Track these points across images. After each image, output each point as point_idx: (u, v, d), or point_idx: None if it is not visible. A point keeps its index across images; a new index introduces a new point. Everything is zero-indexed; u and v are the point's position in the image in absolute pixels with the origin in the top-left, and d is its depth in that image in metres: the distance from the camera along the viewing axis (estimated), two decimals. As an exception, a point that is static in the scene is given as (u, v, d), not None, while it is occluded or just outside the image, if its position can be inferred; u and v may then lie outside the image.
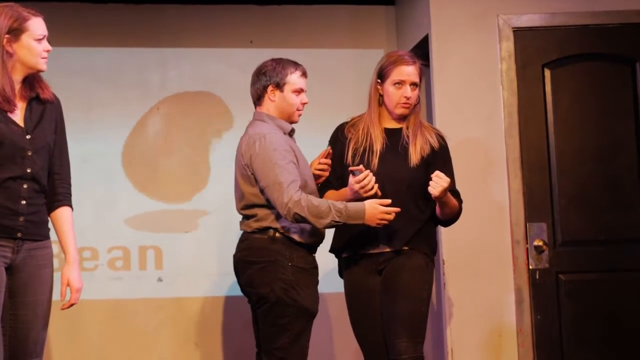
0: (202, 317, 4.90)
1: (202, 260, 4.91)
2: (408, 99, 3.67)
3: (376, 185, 3.50)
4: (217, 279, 4.88)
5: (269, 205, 3.52)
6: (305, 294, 3.50)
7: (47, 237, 3.25)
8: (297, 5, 5.12)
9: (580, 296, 4.41)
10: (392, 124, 3.75)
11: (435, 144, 3.71)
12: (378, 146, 3.67)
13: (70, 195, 3.32)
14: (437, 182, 3.53)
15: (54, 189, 3.27)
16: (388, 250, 3.63)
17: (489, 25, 4.54)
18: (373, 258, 3.66)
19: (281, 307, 3.47)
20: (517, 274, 4.41)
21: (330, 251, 3.78)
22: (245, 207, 3.60)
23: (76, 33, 4.91)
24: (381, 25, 5.19)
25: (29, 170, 3.15)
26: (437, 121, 4.47)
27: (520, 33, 4.53)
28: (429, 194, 3.56)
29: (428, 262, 3.67)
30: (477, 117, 4.50)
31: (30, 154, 3.16)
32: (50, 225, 3.28)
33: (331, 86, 5.03)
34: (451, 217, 3.73)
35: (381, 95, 3.73)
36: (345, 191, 3.60)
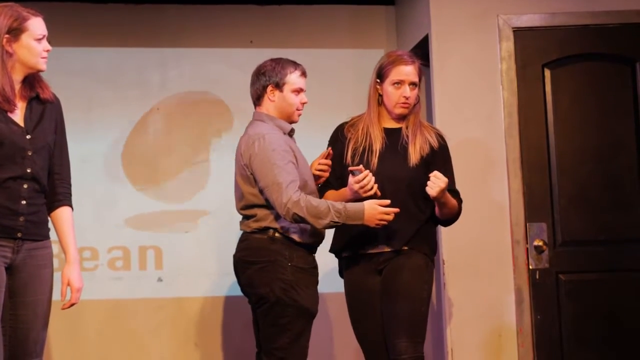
0: (202, 317, 4.89)
1: (202, 260, 4.91)
2: (407, 98, 3.67)
3: (376, 186, 3.50)
4: (217, 279, 4.88)
5: (268, 205, 3.52)
6: (305, 294, 3.50)
7: (47, 237, 3.25)
8: (297, 5, 5.12)
9: (580, 296, 4.40)
10: (392, 124, 3.74)
11: (435, 144, 3.70)
12: (377, 146, 3.66)
13: (71, 195, 3.32)
14: (435, 183, 3.52)
15: (54, 189, 3.27)
16: (388, 250, 3.63)
17: (489, 25, 4.53)
18: (373, 258, 3.65)
19: (281, 307, 3.47)
20: (517, 274, 4.40)
21: (330, 251, 3.77)
22: (245, 207, 3.60)
23: (76, 33, 4.91)
24: (381, 25, 5.19)
25: (29, 170, 3.15)
26: (437, 121, 4.47)
27: (520, 33, 4.53)
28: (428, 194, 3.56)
29: (428, 262, 3.66)
30: (477, 117, 4.50)
31: (30, 153, 3.16)
32: (50, 225, 3.28)
33: (331, 86, 5.03)
34: (451, 217, 3.72)
35: (380, 95, 3.73)
36: (344, 191, 3.60)
